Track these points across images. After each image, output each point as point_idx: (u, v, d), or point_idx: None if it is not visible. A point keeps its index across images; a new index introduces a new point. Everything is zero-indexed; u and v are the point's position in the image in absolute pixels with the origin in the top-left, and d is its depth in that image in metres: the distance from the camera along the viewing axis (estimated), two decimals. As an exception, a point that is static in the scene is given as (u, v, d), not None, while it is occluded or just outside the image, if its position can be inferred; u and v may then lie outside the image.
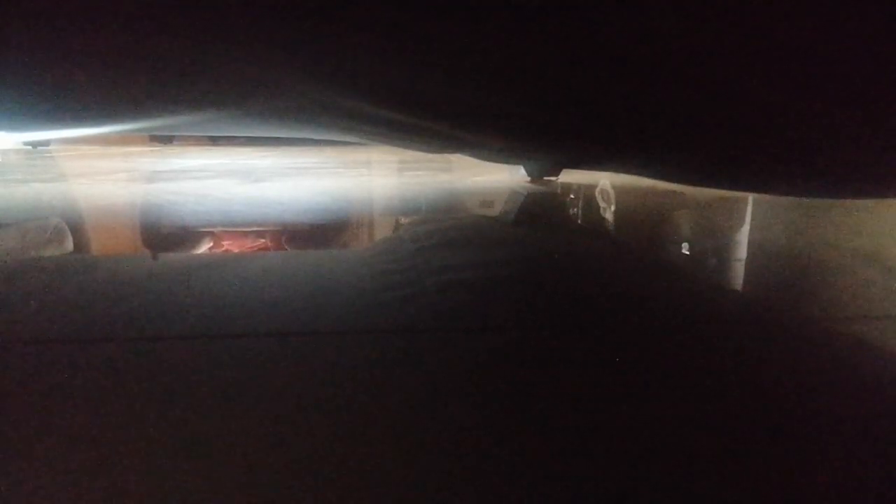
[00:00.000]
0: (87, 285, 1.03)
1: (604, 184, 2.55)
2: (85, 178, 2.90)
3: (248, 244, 1.54)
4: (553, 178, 2.71)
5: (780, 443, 0.54)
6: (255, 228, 1.69)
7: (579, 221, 1.92)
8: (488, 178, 2.92)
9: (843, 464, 0.51)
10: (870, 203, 1.84)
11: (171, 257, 1.33)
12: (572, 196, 2.43)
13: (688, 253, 1.43)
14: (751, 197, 2.07)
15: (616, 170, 2.12)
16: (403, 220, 1.84)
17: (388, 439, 0.52)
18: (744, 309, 1.01)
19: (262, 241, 1.58)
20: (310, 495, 0.44)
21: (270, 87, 1.22)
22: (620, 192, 2.42)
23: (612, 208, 2.13)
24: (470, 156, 2.48)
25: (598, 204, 2.21)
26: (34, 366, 0.68)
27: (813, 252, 1.42)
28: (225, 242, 1.54)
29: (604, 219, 1.95)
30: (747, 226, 1.74)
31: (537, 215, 2.02)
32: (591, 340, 0.79)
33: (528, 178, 2.67)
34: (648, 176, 1.99)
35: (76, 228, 1.65)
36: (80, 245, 1.47)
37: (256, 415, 0.56)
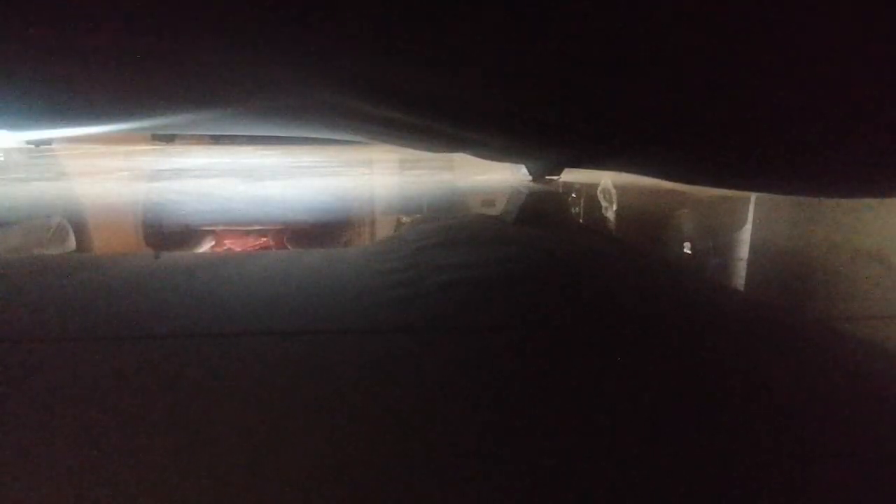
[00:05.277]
0: (89, 284, 1.04)
1: (605, 183, 2.55)
2: (87, 176, 2.91)
3: (250, 243, 1.55)
4: (555, 178, 2.71)
5: (780, 442, 0.54)
6: (256, 227, 1.69)
7: (581, 221, 1.92)
8: (490, 178, 2.92)
9: (843, 464, 0.51)
10: (871, 202, 1.83)
11: (174, 256, 1.33)
12: (574, 195, 2.43)
13: (690, 252, 1.43)
14: (752, 196, 2.07)
15: (618, 169, 2.12)
16: (405, 219, 1.85)
17: (387, 439, 0.52)
18: (745, 308, 1.01)
19: (264, 240, 1.58)
20: (310, 495, 0.45)
21: (271, 86, 1.22)
22: (622, 191, 2.42)
23: (614, 207, 2.13)
24: (471, 155, 2.48)
25: (599, 203, 2.21)
26: (34, 365, 0.68)
27: (814, 251, 1.42)
28: (227, 241, 1.55)
29: (606, 218, 1.95)
30: (749, 225, 1.74)
31: (539, 215, 2.02)
32: (592, 340, 0.79)
33: (530, 178, 2.67)
34: (649, 175, 1.98)
35: (78, 227, 1.65)
36: (83, 244, 1.48)
37: (257, 414, 0.56)
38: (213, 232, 1.60)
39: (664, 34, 0.76)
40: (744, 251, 1.42)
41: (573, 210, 2.12)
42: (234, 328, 0.80)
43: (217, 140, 4.46)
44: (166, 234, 1.63)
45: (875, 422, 0.59)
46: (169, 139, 4.46)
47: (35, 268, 1.19)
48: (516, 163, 2.73)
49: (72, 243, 1.46)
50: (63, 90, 1.22)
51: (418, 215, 1.97)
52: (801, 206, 1.94)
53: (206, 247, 1.50)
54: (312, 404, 0.59)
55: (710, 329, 0.86)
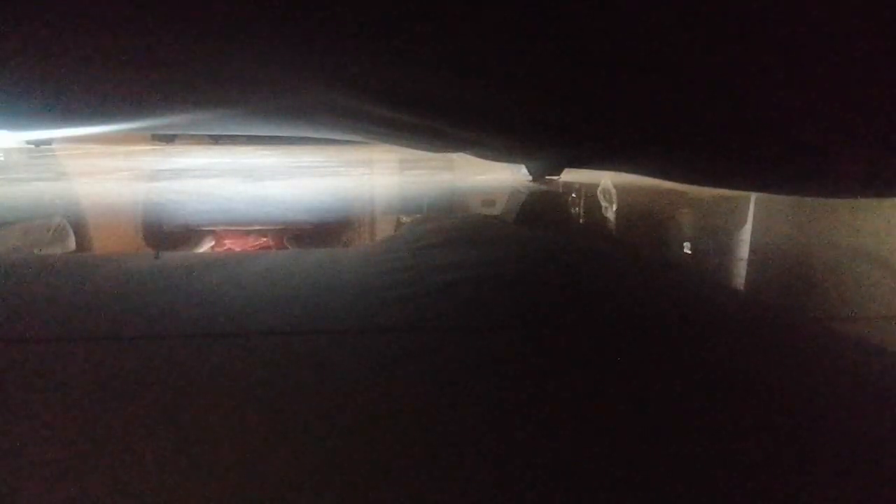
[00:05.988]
0: (89, 284, 1.04)
1: (605, 183, 2.55)
2: (87, 176, 2.91)
3: (250, 243, 1.55)
4: (555, 178, 2.71)
5: (780, 442, 0.54)
6: (256, 227, 1.69)
7: (581, 221, 1.92)
8: (490, 178, 2.92)
9: (842, 464, 0.51)
10: (871, 202, 1.83)
11: (173, 256, 1.33)
12: (574, 195, 2.43)
13: (689, 252, 1.43)
14: (752, 196, 2.07)
15: (618, 169, 2.13)
16: (405, 219, 1.84)
17: (388, 439, 0.52)
18: (745, 308, 1.01)
19: (264, 239, 1.58)
20: (310, 495, 0.44)
21: (272, 86, 1.22)
22: (622, 191, 2.42)
23: (614, 208, 2.13)
24: (471, 155, 2.49)
25: (599, 203, 2.21)
26: (35, 365, 0.68)
27: (814, 251, 1.42)
28: (227, 241, 1.54)
29: (605, 218, 1.95)
30: (749, 225, 1.74)
31: (539, 215, 2.02)
32: (592, 340, 0.79)
33: (530, 178, 2.67)
34: (649, 175, 1.98)
35: (78, 227, 1.65)
36: (83, 244, 1.48)
37: (257, 414, 0.56)
38: (213, 232, 1.59)
39: (664, 34, 0.76)
40: (744, 251, 1.42)
41: (573, 210, 2.12)
42: (234, 328, 0.80)
43: (217, 140, 4.46)
44: (166, 234, 1.63)
45: (875, 422, 0.59)
46: (169, 139, 4.46)
47: (35, 268, 1.19)
48: (516, 163, 2.74)
49: (72, 243, 1.45)
50: (63, 90, 1.22)
51: (418, 215, 1.97)
52: (801, 206, 1.94)
53: (206, 247, 1.49)
54: (312, 404, 0.59)
55: (710, 329, 0.86)
